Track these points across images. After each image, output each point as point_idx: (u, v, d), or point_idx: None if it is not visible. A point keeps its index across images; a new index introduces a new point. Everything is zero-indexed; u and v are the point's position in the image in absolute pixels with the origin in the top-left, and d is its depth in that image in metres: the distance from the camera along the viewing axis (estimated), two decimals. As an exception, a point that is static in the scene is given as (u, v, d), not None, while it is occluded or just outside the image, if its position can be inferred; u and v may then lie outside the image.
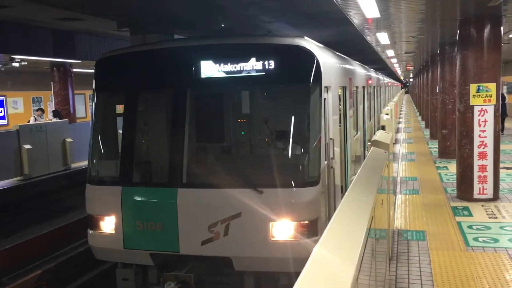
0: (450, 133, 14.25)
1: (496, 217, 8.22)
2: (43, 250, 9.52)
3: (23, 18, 11.34)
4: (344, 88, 8.63)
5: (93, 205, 6.55)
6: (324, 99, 6.34)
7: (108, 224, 6.37)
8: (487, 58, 9.03)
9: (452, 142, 13.66)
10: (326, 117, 6.44)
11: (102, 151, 6.96)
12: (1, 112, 23.64)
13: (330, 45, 9.64)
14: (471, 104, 9.15)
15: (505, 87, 23.39)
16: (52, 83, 18.01)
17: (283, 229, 5.74)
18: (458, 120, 9.59)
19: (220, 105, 7.41)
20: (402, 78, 67.84)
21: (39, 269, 8.25)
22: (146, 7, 8.10)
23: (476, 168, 9.21)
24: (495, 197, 9.29)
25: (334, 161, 6.75)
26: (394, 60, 26.95)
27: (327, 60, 6.95)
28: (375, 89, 19.31)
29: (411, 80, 66.29)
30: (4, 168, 12.68)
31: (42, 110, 18.36)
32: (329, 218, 6.02)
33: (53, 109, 18.31)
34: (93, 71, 7.01)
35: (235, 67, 6.15)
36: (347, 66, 9.71)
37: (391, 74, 50.77)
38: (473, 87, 9.08)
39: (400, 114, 35.02)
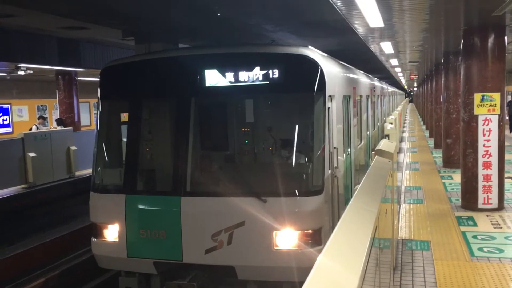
0: (454, 142, 14.20)
1: (501, 227, 8.18)
2: (46, 258, 9.52)
3: (29, 27, 11.42)
4: (348, 97, 8.64)
5: (97, 213, 6.56)
6: (328, 108, 6.34)
7: (112, 232, 6.38)
8: (491, 68, 9.03)
9: (457, 152, 13.62)
10: (330, 126, 6.44)
11: (107, 159, 6.98)
12: (6, 120, 23.73)
13: (334, 54, 9.67)
14: (475, 113, 9.13)
15: (509, 97, 23.32)
16: (57, 91, 18.09)
17: (286, 238, 5.73)
18: (462, 129, 9.57)
19: (224, 114, 7.43)
20: (406, 87, 67.82)
21: (43, 277, 8.24)
22: (151, 17, 8.16)
23: (480, 178, 9.17)
24: (500, 207, 9.24)
25: (338, 170, 6.74)
26: (398, 69, 26.95)
27: (331, 69, 6.96)
28: (379, 98, 19.32)
29: (415, 89, 66.26)
30: (9, 176, 12.73)
31: (44, 118, 18.37)
32: (333, 227, 6.00)
33: (58, 117, 18.36)
34: (98, 79, 7.04)
35: (239, 76, 6.16)
36: (351, 75, 9.72)
37: (395, 83, 50.77)
38: (477, 97, 9.07)
39: (404, 123, 34.98)
